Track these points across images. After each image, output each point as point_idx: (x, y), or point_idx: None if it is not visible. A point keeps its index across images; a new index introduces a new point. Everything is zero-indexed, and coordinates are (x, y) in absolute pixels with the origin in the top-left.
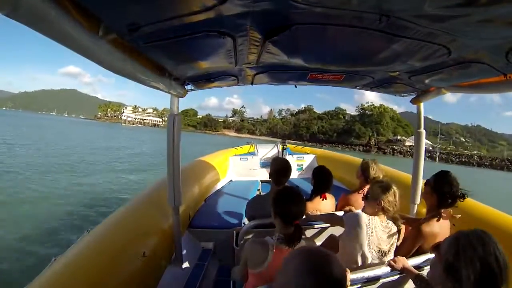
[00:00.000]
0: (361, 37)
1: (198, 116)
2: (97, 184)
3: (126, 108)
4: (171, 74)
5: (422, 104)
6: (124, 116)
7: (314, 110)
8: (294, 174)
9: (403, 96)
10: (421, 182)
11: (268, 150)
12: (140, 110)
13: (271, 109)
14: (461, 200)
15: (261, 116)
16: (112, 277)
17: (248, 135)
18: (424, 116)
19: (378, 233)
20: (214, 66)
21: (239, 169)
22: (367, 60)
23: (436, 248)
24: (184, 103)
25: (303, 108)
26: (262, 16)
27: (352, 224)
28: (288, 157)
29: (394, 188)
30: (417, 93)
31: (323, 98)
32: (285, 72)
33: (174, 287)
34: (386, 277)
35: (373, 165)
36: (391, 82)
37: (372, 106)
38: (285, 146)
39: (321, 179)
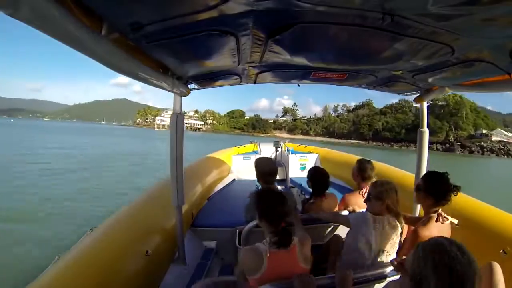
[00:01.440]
0: (364, 36)
1: (245, 117)
2: None
3: (166, 112)
4: (174, 73)
5: (425, 103)
6: (158, 120)
7: (373, 104)
8: (298, 173)
9: (406, 95)
10: None
11: (272, 150)
12: None
13: (325, 106)
14: (455, 193)
15: (315, 115)
16: (115, 276)
17: (301, 136)
18: (483, 107)
19: (385, 232)
20: (217, 65)
21: (242, 168)
22: (370, 59)
23: (400, 265)
24: (225, 105)
25: (361, 104)
26: (265, 15)
27: (358, 223)
28: (291, 156)
29: (394, 186)
30: (420, 92)
31: (376, 95)
32: (288, 71)
33: (177, 286)
34: (392, 276)
35: (368, 164)
36: (395, 81)
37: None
38: (281, 145)
39: (318, 180)
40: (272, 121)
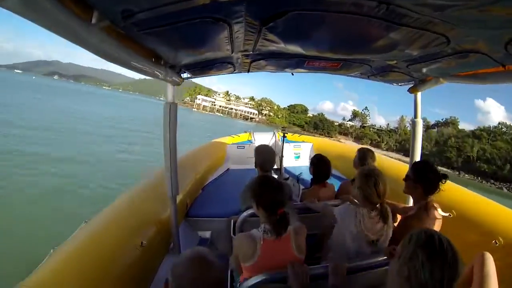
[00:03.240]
0: (358, 25)
1: (308, 115)
2: None
3: (218, 95)
4: (166, 62)
5: (419, 94)
6: (198, 100)
7: (458, 122)
8: (292, 163)
9: (400, 85)
10: None
11: (266, 138)
12: (233, 98)
13: (401, 117)
14: (443, 181)
15: (387, 125)
16: (110, 268)
17: (372, 149)
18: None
19: (365, 223)
20: (210, 53)
21: (236, 157)
22: (365, 48)
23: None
24: (286, 98)
25: (444, 120)
26: (258, 2)
27: (341, 215)
28: (285, 146)
29: (377, 177)
30: (414, 82)
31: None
32: (282, 59)
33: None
34: (382, 267)
35: (369, 153)
36: (389, 70)
37: None
38: (275, 134)
39: (320, 167)
40: (338, 124)
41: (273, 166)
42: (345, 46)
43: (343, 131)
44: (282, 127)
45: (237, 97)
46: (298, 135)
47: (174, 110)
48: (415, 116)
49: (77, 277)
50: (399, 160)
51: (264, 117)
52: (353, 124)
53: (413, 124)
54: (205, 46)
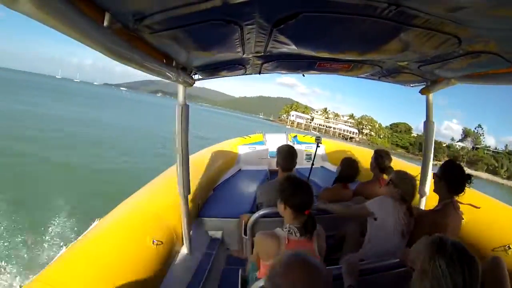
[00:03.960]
0: (369, 26)
1: (412, 134)
2: None
3: (316, 112)
4: (178, 63)
5: (431, 95)
6: (292, 116)
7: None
8: (303, 164)
9: (412, 86)
10: (430, 174)
11: (278, 139)
12: (331, 115)
13: None
14: (469, 182)
15: (505, 146)
16: (123, 265)
17: (487, 175)
18: None
19: (403, 217)
20: (221, 55)
21: (247, 158)
22: (376, 49)
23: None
24: (387, 115)
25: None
26: (269, 4)
27: (381, 211)
28: (297, 147)
29: (412, 179)
30: (426, 84)
31: None
32: (293, 61)
33: (183, 275)
34: (397, 269)
35: (386, 155)
36: (400, 72)
37: None
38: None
39: (348, 169)
40: (446, 145)
41: (295, 166)
42: (356, 47)
43: (452, 153)
44: (316, 137)
45: (336, 115)
46: (310, 136)
47: (186, 111)
48: (427, 118)
49: (89, 273)
50: None
51: (364, 137)
52: (464, 145)
53: (426, 126)
54: (216, 47)
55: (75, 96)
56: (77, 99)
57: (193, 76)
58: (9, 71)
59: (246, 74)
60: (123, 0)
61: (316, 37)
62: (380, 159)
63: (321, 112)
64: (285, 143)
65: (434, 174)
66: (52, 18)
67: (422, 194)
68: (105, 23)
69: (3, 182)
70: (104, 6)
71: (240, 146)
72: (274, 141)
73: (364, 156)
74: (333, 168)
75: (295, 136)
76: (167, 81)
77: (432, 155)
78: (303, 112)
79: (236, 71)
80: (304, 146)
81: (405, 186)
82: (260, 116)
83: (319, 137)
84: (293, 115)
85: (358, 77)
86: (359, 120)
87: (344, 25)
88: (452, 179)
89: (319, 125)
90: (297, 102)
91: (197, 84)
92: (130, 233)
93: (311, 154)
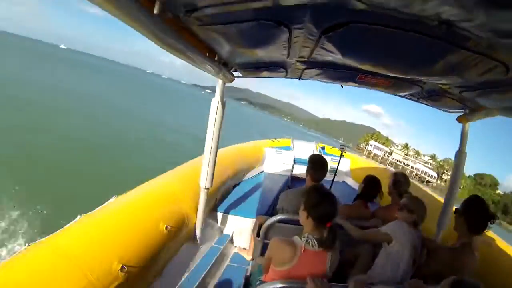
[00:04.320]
0: (417, 44)
1: (497, 192)
2: None
3: (396, 146)
4: (220, 58)
5: (468, 124)
6: (370, 146)
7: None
8: (327, 176)
9: (450, 112)
10: (452, 208)
11: (305, 148)
12: (411, 152)
13: None
14: (492, 222)
15: None
16: (131, 243)
17: None
18: None
19: (415, 246)
20: (266, 55)
21: (272, 161)
22: (421, 68)
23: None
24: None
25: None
26: (321, 10)
27: (399, 235)
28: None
29: (426, 205)
30: (464, 111)
31: None
32: (335, 70)
33: (187, 264)
34: None
35: (405, 179)
36: (440, 95)
37: None
38: (314, 145)
39: (371, 188)
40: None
41: (324, 178)
42: (400, 64)
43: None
44: (341, 145)
45: (417, 152)
46: (337, 149)
47: (221, 107)
48: (460, 147)
49: (97, 243)
50: None
51: (442, 183)
52: None
53: (458, 156)
54: (262, 48)
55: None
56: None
57: (233, 72)
58: (105, 60)
59: (286, 78)
60: None
61: (363, 49)
62: (399, 184)
63: (402, 147)
64: (310, 153)
65: (455, 209)
66: (107, 2)
67: (440, 227)
68: (155, 11)
69: None
70: None
71: (267, 148)
72: (301, 149)
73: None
74: (354, 184)
75: (323, 147)
76: (255, 91)
77: (458, 189)
78: (383, 144)
79: (276, 73)
80: (330, 158)
81: (421, 212)
82: (340, 142)
83: (344, 145)
84: (371, 145)
85: (396, 95)
86: (440, 163)
87: (392, 40)
88: (474, 217)
89: (397, 160)
90: (379, 132)
91: (284, 99)
92: (145, 214)
93: (335, 167)
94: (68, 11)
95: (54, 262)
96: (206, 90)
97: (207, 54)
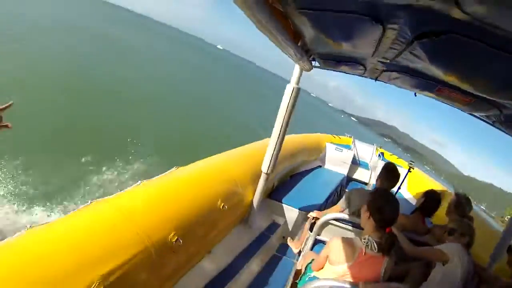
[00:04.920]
0: (508, 64)
1: None
2: None
3: None
4: (304, 45)
5: None
6: None
7: None
8: (374, 178)
9: None
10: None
11: (365, 149)
12: None
13: None
14: None
15: None
16: (188, 216)
17: None
18: None
19: (470, 269)
20: (350, 50)
21: (331, 157)
22: (506, 89)
23: None
24: None
25: None
26: (420, 14)
27: (457, 253)
28: (380, 163)
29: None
30: None
31: None
32: (414, 77)
33: (236, 245)
34: None
35: (467, 201)
36: None
37: None
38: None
39: (433, 202)
40: None
41: (392, 189)
42: (492, 84)
43: None
44: (410, 161)
45: None
46: (397, 157)
47: (295, 93)
48: None
49: (157, 211)
50: None
51: None
52: None
53: None
54: (350, 42)
55: None
56: None
57: (311, 61)
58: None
59: (363, 76)
60: None
61: (454, 61)
62: (461, 206)
63: None
64: (369, 156)
65: (509, 246)
66: None
67: (494, 260)
68: None
69: None
70: None
71: (328, 144)
72: (361, 150)
73: (445, 197)
74: (410, 197)
75: (382, 153)
76: (401, 130)
77: None
78: None
79: (355, 70)
80: None
81: (472, 236)
82: (481, 207)
83: (413, 162)
84: None
85: (470, 114)
86: None
87: (488, 58)
88: None
89: None
90: None
91: (431, 145)
92: (204, 189)
93: None
94: (232, 17)
95: (115, 221)
96: (353, 119)
97: (293, 39)
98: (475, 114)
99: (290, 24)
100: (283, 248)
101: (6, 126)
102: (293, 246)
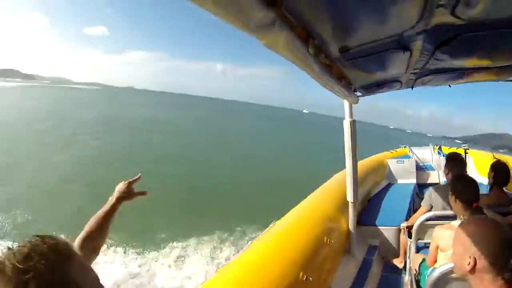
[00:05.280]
0: (509, 38)
1: None
2: None
3: None
4: (349, 83)
5: None
6: None
7: None
8: (442, 178)
9: None
10: None
11: (423, 153)
12: None
13: None
14: None
15: None
16: (309, 255)
17: None
18: None
19: None
20: (387, 75)
21: (396, 171)
22: None
23: None
24: None
25: None
26: (430, 31)
27: None
28: (441, 158)
29: None
30: None
31: None
32: (444, 73)
33: (348, 277)
34: None
35: None
36: None
37: None
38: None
39: (503, 172)
40: None
41: (463, 172)
42: (504, 54)
43: None
44: (462, 144)
45: None
46: (456, 148)
47: (353, 126)
48: None
49: (273, 266)
50: None
51: None
52: None
53: None
54: (386, 70)
55: None
56: None
57: (355, 93)
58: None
59: (401, 89)
60: (333, 35)
61: (474, 53)
62: None
63: None
64: (429, 157)
65: None
66: (287, 51)
67: None
68: (310, 50)
69: None
70: (312, 35)
71: (388, 160)
72: (420, 154)
73: None
74: (481, 179)
75: (440, 147)
76: None
77: None
78: None
79: (393, 87)
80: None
81: None
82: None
83: (466, 145)
84: None
85: (501, 80)
86: None
87: (492, 39)
88: None
89: None
90: None
91: None
92: (309, 229)
93: None
94: (304, 81)
95: (249, 274)
96: (457, 141)
97: (337, 79)
98: (508, 78)
99: (337, 70)
100: (387, 267)
101: (143, 193)
102: (397, 262)
